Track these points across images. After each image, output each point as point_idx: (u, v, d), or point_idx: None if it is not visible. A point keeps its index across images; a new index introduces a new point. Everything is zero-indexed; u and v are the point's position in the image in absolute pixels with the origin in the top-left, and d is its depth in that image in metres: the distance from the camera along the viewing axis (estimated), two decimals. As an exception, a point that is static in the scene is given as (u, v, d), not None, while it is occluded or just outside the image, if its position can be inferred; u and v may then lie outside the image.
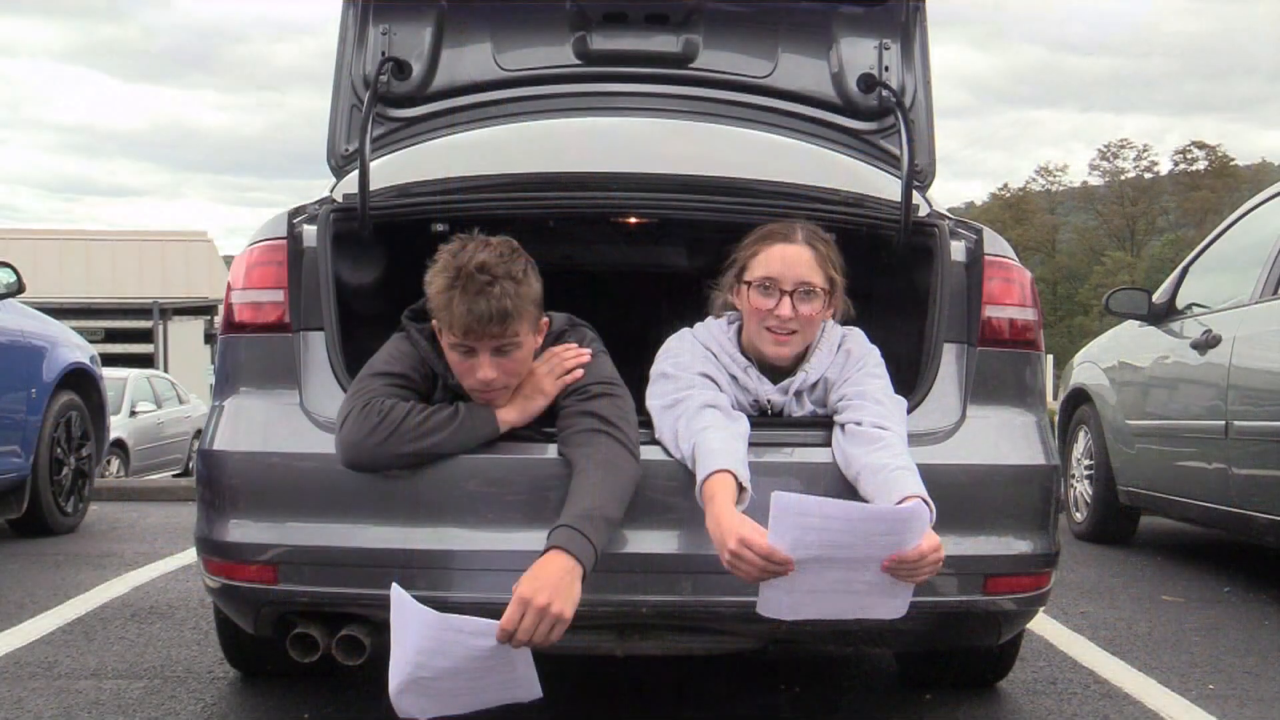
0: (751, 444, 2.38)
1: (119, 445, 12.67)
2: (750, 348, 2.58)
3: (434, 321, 2.40)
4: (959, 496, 2.44)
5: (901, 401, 2.48)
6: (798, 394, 2.57)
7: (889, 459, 2.29)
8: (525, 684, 2.20)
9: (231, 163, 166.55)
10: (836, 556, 2.13)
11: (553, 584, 2.10)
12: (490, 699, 2.24)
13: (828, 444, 2.43)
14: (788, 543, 2.10)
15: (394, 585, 2.15)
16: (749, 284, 2.53)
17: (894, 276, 2.92)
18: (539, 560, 2.14)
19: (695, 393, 2.43)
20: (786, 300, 2.49)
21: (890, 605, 2.21)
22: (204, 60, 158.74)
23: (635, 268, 3.61)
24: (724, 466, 2.23)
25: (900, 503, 2.18)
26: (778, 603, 2.19)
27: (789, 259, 2.51)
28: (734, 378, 2.55)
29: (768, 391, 2.56)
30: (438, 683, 2.17)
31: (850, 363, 2.55)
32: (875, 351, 2.58)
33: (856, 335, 2.62)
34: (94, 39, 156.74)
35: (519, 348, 2.37)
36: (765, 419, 2.54)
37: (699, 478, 2.25)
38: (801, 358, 2.57)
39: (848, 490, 2.33)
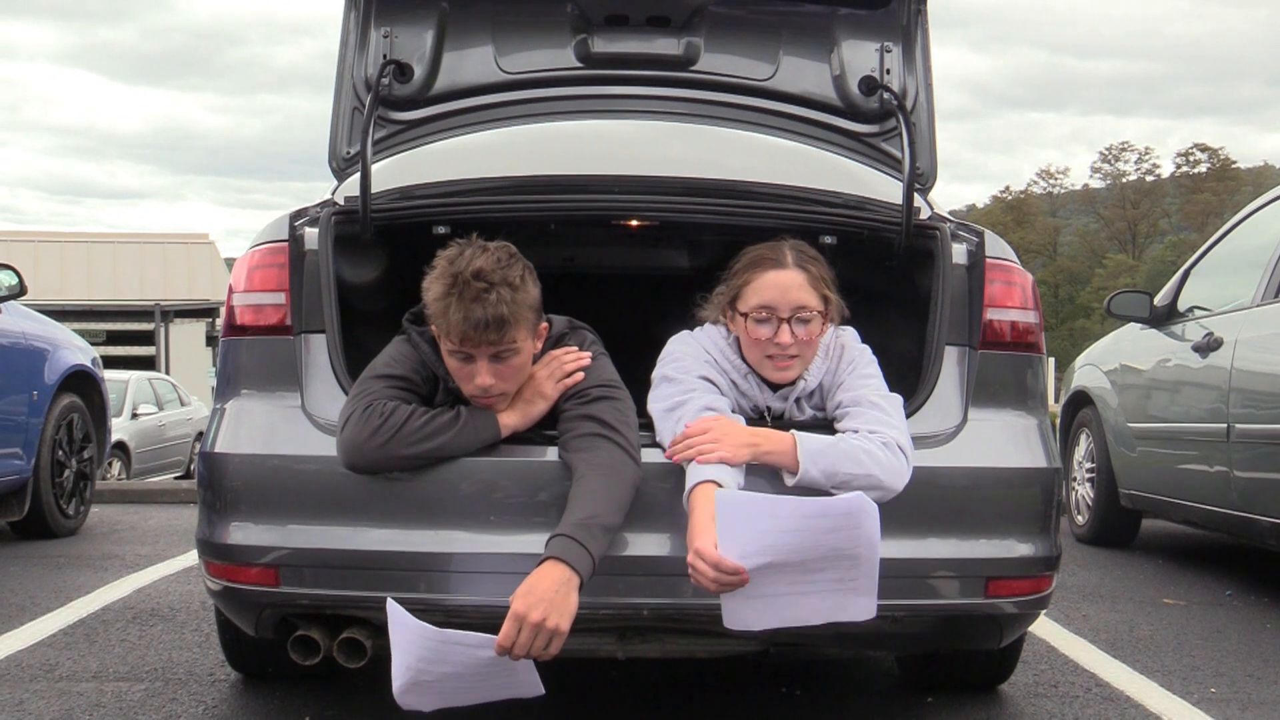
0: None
1: (120, 447, 12.68)
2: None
3: (433, 327, 2.40)
4: (960, 499, 2.45)
5: (897, 398, 2.48)
6: (797, 400, 2.57)
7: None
8: (528, 685, 2.21)
9: (231, 165, 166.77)
10: (790, 559, 2.13)
11: (548, 598, 2.10)
12: (493, 695, 2.26)
13: None
14: (738, 547, 2.12)
15: (389, 601, 2.16)
16: (745, 315, 2.51)
17: (895, 279, 2.92)
18: (534, 572, 2.14)
19: (696, 396, 2.43)
20: (785, 328, 2.47)
21: (858, 606, 2.20)
22: (203, 62, 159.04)
23: (636, 270, 3.61)
24: (709, 478, 2.24)
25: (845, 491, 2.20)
26: (741, 614, 2.20)
27: (783, 285, 2.48)
28: (734, 384, 2.55)
29: (768, 398, 2.56)
30: (440, 684, 2.20)
31: (843, 364, 2.55)
32: (866, 350, 2.59)
33: (848, 335, 2.62)
34: (92, 40, 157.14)
35: (517, 354, 2.36)
36: (769, 425, 2.53)
37: (686, 487, 2.26)
38: None
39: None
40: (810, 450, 2.31)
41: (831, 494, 2.27)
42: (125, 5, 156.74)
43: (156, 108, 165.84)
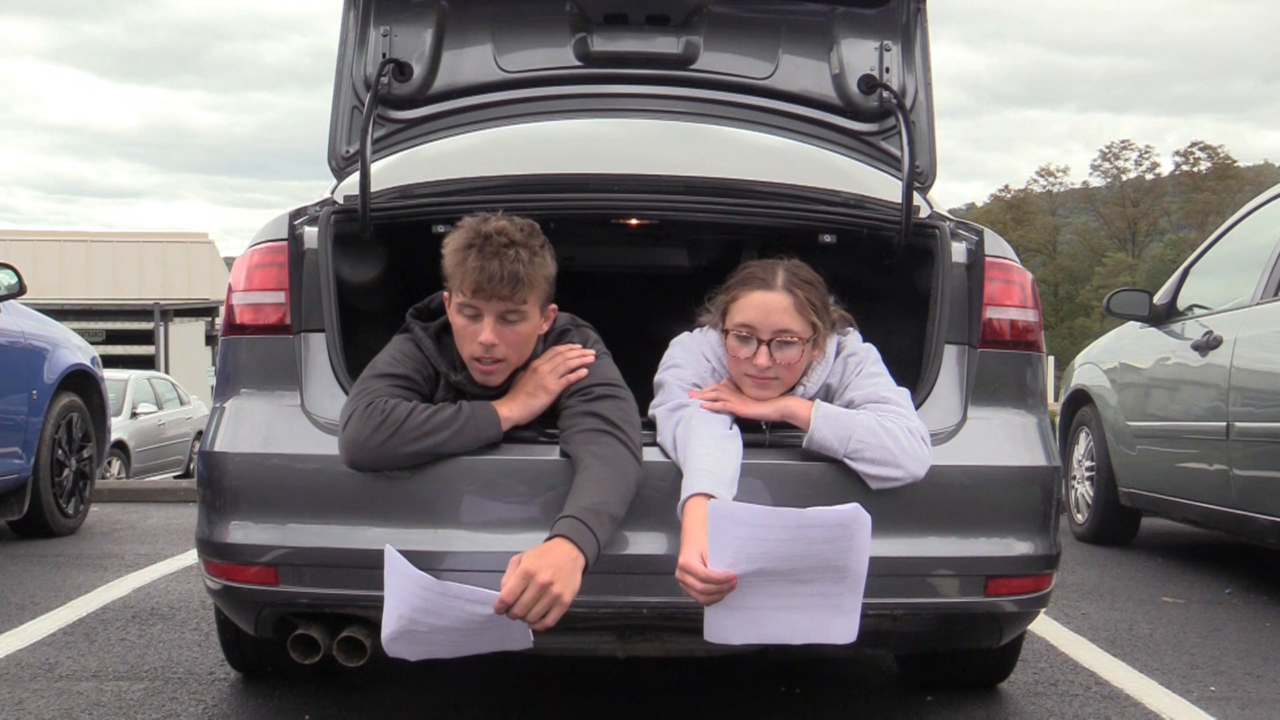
0: (754, 445, 2.38)
1: (120, 446, 12.69)
2: None
3: (445, 294, 2.40)
4: (960, 498, 2.44)
5: (905, 391, 2.48)
6: None
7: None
8: (518, 637, 2.20)
9: (226, 163, 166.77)
10: (781, 568, 2.13)
11: (556, 565, 2.10)
12: (482, 648, 2.25)
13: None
14: (729, 556, 2.12)
15: (388, 548, 2.16)
16: (728, 331, 2.50)
17: (895, 278, 2.92)
18: (544, 544, 2.15)
19: (696, 400, 2.44)
20: (764, 350, 2.45)
21: (839, 627, 2.19)
22: (191, 58, 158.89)
23: (636, 269, 3.61)
24: (703, 490, 2.23)
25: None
26: (722, 627, 2.19)
27: (766, 307, 2.45)
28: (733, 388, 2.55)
29: None
30: (431, 634, 2.19)
31: (849, 367, 2.55)
32: (872, 350, 2.58)
33: (851, 336, 2.61)
34: (79, 38, 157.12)
35: (524, 319, 2.37)
36: (777, 426, 2.53)
37: (681, 496, 2.26)
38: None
39: (855, 495, 2.32)
40: (826, 412, 2.37)
41: (845, 464, 2.32)
42: (111, 1, 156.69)
43: (148, 105, 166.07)
